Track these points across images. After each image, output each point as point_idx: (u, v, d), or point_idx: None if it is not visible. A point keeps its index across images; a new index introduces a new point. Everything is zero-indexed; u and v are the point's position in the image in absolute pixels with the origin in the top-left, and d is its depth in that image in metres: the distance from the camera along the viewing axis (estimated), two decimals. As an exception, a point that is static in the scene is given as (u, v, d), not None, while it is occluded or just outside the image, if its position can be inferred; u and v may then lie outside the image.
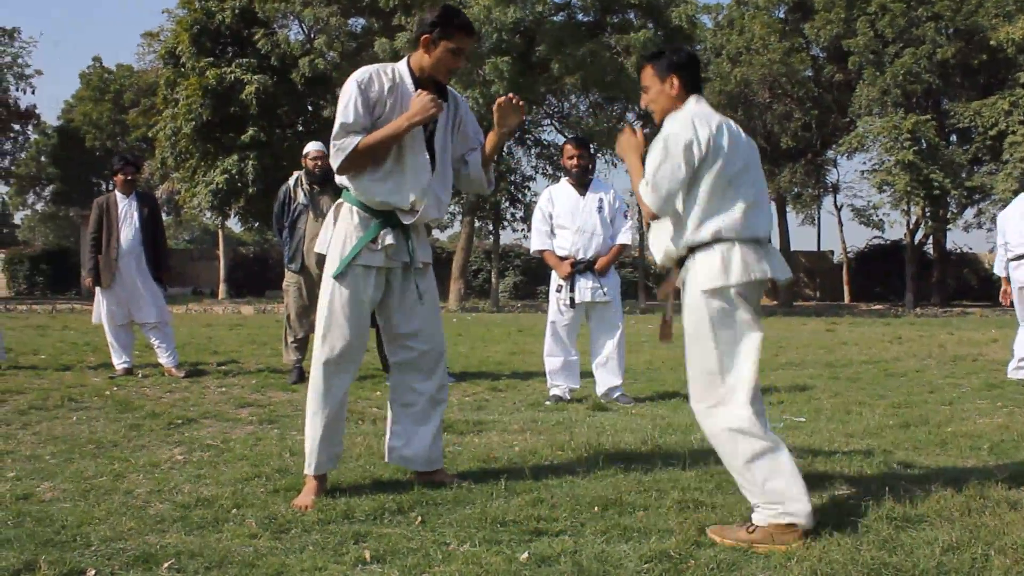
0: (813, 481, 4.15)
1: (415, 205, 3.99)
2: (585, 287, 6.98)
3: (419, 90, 3.95)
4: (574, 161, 7.08)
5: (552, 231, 7.16)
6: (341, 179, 4.04)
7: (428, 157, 4.03)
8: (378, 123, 3.92)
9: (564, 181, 7.25)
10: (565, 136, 31.79)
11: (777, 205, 37.07)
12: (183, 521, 3.52)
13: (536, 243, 7.25)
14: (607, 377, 7.04)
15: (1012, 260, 8.51)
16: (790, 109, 32.58)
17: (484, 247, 39.36)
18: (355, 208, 4.03)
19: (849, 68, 30.84)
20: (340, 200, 4.11)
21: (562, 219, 7.08)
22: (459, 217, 30.45)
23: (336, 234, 4.05)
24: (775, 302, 35.31)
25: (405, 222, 4.03)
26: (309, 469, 3.96)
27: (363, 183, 3.99)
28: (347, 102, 3.91)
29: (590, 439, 5.16)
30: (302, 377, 8.02)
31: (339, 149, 3.90)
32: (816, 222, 44.10)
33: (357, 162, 3.92)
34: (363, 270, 3.99)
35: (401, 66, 4.06)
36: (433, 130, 4.07)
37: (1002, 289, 8.72)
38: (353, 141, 3.87)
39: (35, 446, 5.03)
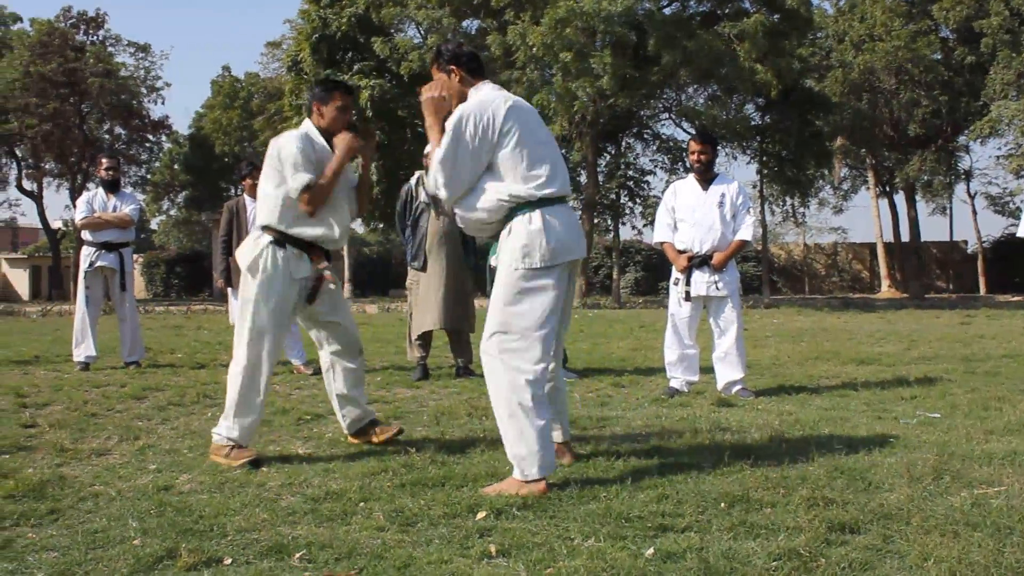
0: (949, 478, 3.99)
1: None
2: (700, 281, 6.97)
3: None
4: (695, 157, 7.13)
5: (675, 224, 7.19)
6: None
7: None
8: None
9: (690, 176, 7.27)
10: (684, 130, 31.47)
11: (906, 194, 35.90)
12: (313, 513, 3.60)
13: (659, 235, 7.33)
14: (727, 371, 6.98)
15: None
16: (917, 95, 31.42)
17: (604, 243, 39.19)
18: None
19: (982, 50, 29.52)
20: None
21: (682, 213, 7.14)
22: (577, 213, 30.40)
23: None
24: (906, 294, 34.16)
25: None
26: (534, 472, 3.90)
27: None
28: None
29: (715, 434, 5.09)
30: (426, 374, 8.12)
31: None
32: (947, 211, 42.54)
33: None
34: None
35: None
36: None
37: None
38: None
39: (174, 440, 5.24)
